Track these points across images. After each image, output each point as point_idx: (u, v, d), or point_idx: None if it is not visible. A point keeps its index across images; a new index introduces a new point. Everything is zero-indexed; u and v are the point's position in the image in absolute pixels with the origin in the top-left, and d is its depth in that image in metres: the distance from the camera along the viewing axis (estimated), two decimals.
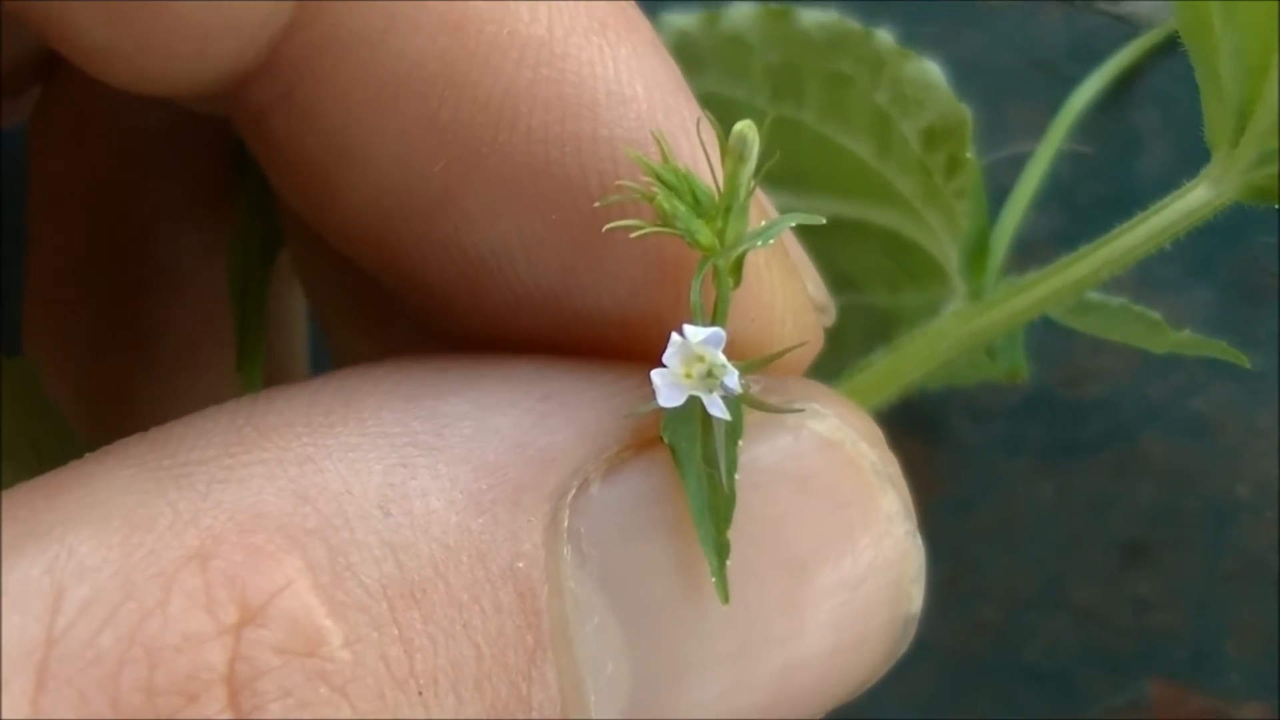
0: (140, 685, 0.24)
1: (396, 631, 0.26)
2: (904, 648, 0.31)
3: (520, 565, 0.27)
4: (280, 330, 0.43)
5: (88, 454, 0.27)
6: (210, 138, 0.40)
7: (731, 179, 0.28)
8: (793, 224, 0.29)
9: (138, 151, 0.41)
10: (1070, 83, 0.48)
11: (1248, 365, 0.36)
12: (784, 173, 0.34)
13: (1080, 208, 0.49)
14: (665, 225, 0.28)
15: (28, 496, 0.26)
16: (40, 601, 0.24)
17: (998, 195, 0.44)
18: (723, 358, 0.27)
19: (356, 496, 0.26)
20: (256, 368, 0.37)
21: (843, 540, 0.30)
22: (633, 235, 0.28)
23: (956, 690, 0.48)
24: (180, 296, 0.41)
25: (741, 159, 0.28)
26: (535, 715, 0.27)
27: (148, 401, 0.41)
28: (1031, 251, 0.44)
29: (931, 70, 0.41)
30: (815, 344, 0.32)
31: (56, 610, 0.24)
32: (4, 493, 0.26)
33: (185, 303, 0.41)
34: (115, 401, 0.41)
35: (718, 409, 0.27)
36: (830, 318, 0.34)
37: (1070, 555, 0.48)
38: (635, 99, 0.29)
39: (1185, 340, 0.38)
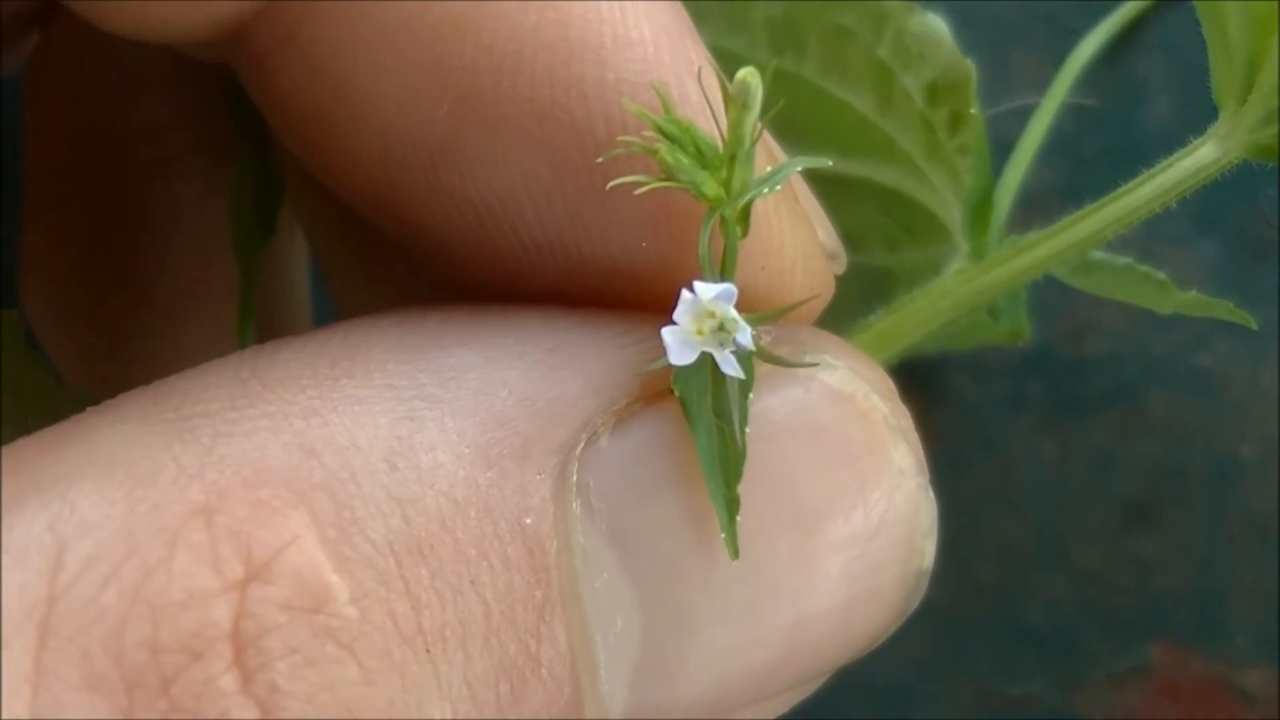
0: (144, 642, 0.24)
1: (404, 587, 0.25)
2: (915, 603, 0.31)
3: (529, 520, 0.27)
4: (282, 279, 0.43)
5: (90, 408, 0.27)
6: (209, 84, 0.40)
7: (735, 127, 0.28)
8: (798, 168, 0.29)
9: (135, 98, 0.40)
10: (1074, 34, 0.48)
11: (1254, 326, 0.36)
12: (783, 128, 0.34)
13: (1085, 160, 0.49)
14: (670, 178, 0.28)
15: (29, 451, 0.26)
16: (42, 558, 0.24)
17: (1001, 147, 0.43)
18: (735, 313, 0.27)
19: (363, 450, 0.26)
20: (249, 316, 0.37)
21: (854, 493, 0.29)
22: (636, 192, 0.28)
23: (955, 652, 0.48)
24: (177, 244, 0.41)
25: (745, 107, 0.28)
26: (545, 672, 0.27)
27: (143, 350, 0.41)
28: (1036, 205, 0.44)
29: (935, 24, 0.40)
30: (826, 292, 0.32)
31: (58, 567, 0.24)
32: (5, 447, 0.26)
33: (182, 251, 0.41)
34: (111, 350, 0.41)
35: (730, 366, 0.27)
36: (841, 265, 0.34)
37: (1072, 515, 0.48)
38: (641, 42, 0.29)
39: (1191, 300, 0.37)
